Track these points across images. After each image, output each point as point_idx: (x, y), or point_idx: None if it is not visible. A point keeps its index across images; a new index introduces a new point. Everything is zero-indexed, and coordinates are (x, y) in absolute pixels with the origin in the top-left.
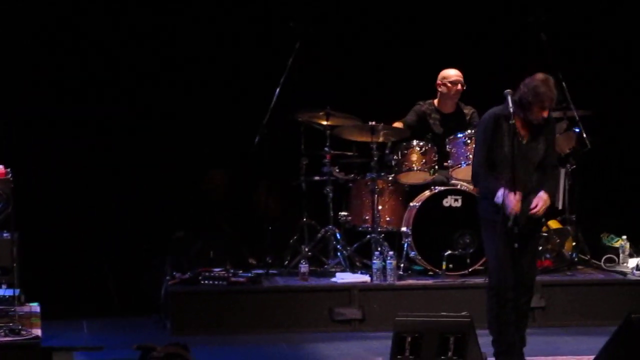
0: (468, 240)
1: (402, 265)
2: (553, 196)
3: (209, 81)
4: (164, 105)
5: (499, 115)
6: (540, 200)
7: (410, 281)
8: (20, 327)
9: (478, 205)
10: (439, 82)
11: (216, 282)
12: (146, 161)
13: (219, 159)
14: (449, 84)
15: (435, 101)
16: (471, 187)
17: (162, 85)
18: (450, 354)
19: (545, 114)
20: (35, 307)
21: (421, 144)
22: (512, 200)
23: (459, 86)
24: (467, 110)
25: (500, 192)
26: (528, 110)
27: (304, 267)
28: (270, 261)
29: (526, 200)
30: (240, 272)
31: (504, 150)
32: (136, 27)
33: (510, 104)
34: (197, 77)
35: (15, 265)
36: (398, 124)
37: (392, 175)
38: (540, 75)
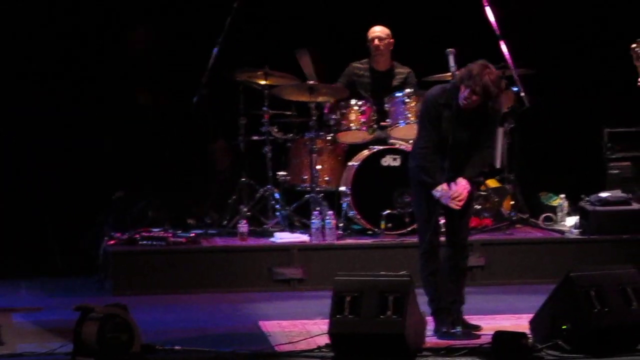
0: (407, 200)
1: (341, 224)
2: (475, 177)
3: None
4: (106, 62)
5: (440, 102)
6: (460, 188)
7: (349, 240)
8: None
9: (408, 165)
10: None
11: (155, 243)
12: (87, 119)
13: (160, 118)
14: (372, 41)
15: (369, 59)
16: (410, 146)
17: (106, 43)
18: (389, 312)
19: (474, 99)
20: None
21: (360, 103)
22: (447, 200)
23: (383, 42)
24: (402, 70)
25: (439, 190)
26: (461, 92)
27: (243, 227)
28: (209, 221)
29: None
30: (180, 232)
31: (443, 135)
32: None
33: (455, 72)
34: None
35: None
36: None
37: (331, 134)
38: (481, 61)
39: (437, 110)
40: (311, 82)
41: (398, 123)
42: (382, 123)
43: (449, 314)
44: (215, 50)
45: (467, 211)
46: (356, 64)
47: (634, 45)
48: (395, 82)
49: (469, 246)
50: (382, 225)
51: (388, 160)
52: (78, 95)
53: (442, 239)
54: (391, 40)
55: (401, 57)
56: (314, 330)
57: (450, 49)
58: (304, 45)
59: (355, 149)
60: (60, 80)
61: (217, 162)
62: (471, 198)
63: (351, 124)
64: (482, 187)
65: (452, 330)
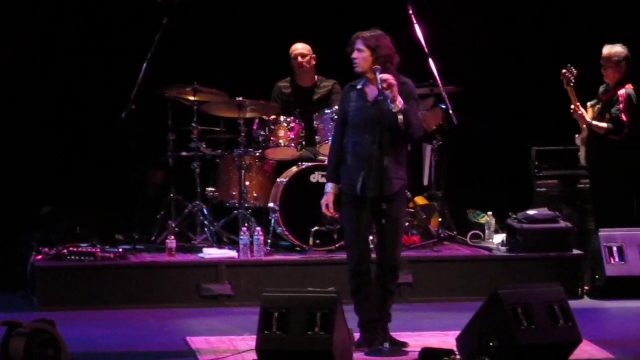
0: (335, 216)
1: (269, 241)
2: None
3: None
4: (34, 77)
5: (349, 85)
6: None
7: (278, 257)
8: None
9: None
10: None
11: (83, 258)
12: (14, 134)
13: (88, 133)
14: (295, 58)
15: (293, 76)
16: None
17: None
18: (317, 329)
19: (354, 55)
20: None
21: (289, 119)
22: (323, 205)
23: (305, 59)
24: (327, 83)
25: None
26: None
27: (171, 243)
28: (137, 237)
29: (374, 166)
30: (108, 247)
31: (349, 116)
32: None
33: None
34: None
35: None
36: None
37: (260, 151)
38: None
39: (345, 91)
40: (240, 98)
41: (327, 140)
42: (311, 140)
43: (376, 330)
44: (144, 66)
45: (397, 231)
46: (281, 83)
47: (564, 71)
48: (317, 96)
49: (398, 266)
50: (310, 242)
51: (317, 177)
52: (4, 111)
53: (374, 255)
54: (313, 55)
55: (329, 73)
56: (242, 346)
57: (376, 66)
58: (232, 61)
59: (283, 165)
60: None
61: (147, 178)
62: (400, 215)
63: (280, 141)
64: (411, 205)
65: (380, 347)
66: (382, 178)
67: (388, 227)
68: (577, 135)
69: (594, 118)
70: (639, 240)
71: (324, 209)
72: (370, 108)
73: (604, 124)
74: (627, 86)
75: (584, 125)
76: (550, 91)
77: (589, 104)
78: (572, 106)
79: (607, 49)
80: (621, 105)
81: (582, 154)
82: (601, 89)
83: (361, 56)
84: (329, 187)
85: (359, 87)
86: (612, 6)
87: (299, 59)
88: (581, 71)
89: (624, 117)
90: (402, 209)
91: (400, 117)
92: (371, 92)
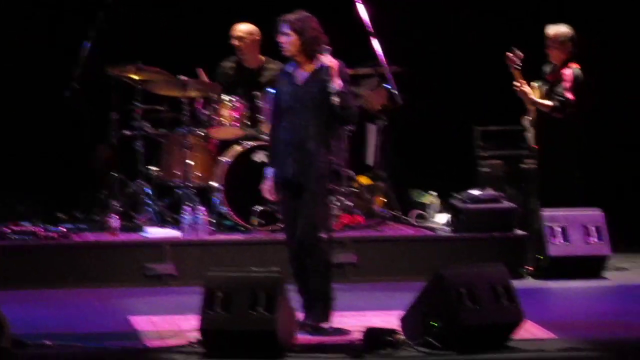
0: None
1: (212, 220)
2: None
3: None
4: None
5: (281, 69)
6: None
7: (221, 236)
8: None
9: None
10: None
11: (25, 237)
12: None
13: (32, 112)
14: (233, 39)
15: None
16: None
17: None
18: (260, 309)
19: (281, 40)
20: None
21: (232, 99)
22: (264, 190)
23: (243, 42)
24: (275, 65)
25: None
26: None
27: (114, 222)
28: (80, 216)
29: (302, 149)
30: (50, 226)
31: (281, 100)
32: None
33: None
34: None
35: None
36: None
37: (203, 130)
38: None
39: (278, 78)
40: (183, 77)
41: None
42: (255, 120)
43: (320, 310)
44: (87, 44)
45: (310, 208)
46: (225, 62)
47: (509, 54)
48: (265, 78)
49: (311, 244)
50: (254, 222)
51: (260, 157)
52: None
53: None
54: (256, 37)
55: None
56: (185, 326)
57: (326, 47)
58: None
59: (227, 145)
60: None
61: (90, 157)
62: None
63: (224, 120)
64: (355, 185)
65: (323, 327)
66: (311, 162)
67: (302, 204)
68: (525, 117)
69: (540, 98)
70: (581, 221)
71: (264, 194)
72: (299, 91)
73: (549, 102)
74: (573, 65)
75: (530, 106)
76: (494, 71)
77: (533, 84)
78: (516, 83)
79: (553, 30)
80: (567, 84)
81: (530, 135)
82: (547, 69)
83: (288, 40)
84: (269, 172)
85: (289, 71)
86: None
87: (236, 42)
88: (525, 52)
89: (570, 96)
90: (322, 188)
91: (336, 99)
92: (300, 75)
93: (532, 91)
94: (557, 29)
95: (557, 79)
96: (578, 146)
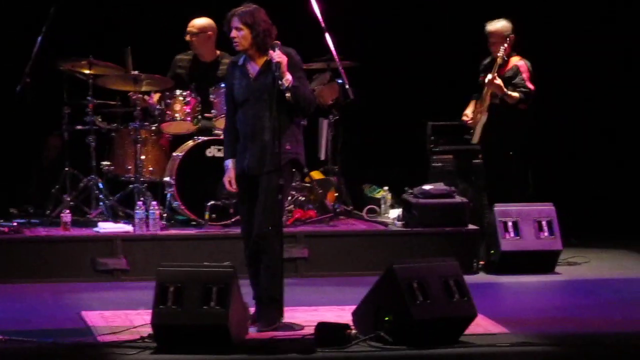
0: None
1: (165, 215)
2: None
3: None
4: None
5: (231, 62)
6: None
7: (173, 231)
8: None
9: None
10: None
11: None
12: None
13: None
14: (188, 34)
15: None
16: None
17: None
18: (213, 304)
19: (233, 35)
20: None
21: (184, 93)
22: (226, 182)
23: (196, 37)
24: (227, 60)
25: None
26: None
27: (66, 217)
28: (32, 210)
29: (257, 142)
30: (1, 221)
31: (235, 93)
32: None
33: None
34: None
35: None
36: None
37: (156, 125)
38: None
39: (229, 70)
40: (135, 72)
41: (223, 114)
42: (207, 114)
43: (273, 309)
44: (39, 39)
45: (267, 202)
46: (180, 56)
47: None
48: (220, 73)
49: (265, 238)
50: (206, 216)
51: (212, 151)
52: None
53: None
54: (209, 33)
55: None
56: (137, 321)
57: (275, 42)
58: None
59: (179, 139)
60: None
61: (42, 152)
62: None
63: (176, 115)
64: (307, 179)
65: (274, 323)
66: (265, 154)
67: (260, 198)
68: (467, 116)
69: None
70: (534, 216)
71: (227, 186)
72: (252, 85)
73: (516, 94)
74: (518, 58)
75: (485, 104)
76: (445, 66)
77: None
78: (490, 76)
79: (495, 26)
80: (525, 75)
81: (476, 133)
82: (485, 62)
83: (240, 35)
84: (229, 164)
85: (240, 63)
86: None
87: (188, 37)
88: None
89: (531, 86)
90: (279, 182)
91: (288, 94)
92: (252, 68)
93: (470, 105)
94: (499, 24)
95: (514, 72)
96: (526, 140)
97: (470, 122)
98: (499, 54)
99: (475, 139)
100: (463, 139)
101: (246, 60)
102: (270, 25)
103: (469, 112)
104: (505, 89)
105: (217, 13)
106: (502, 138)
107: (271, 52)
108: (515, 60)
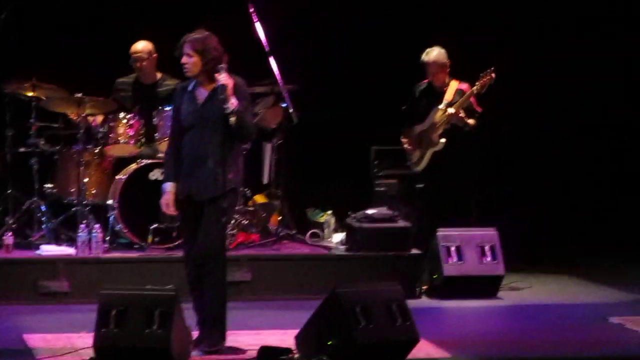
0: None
1: (107, 238)
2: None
3: None
4: None
5: (180, 86)
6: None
7: (116, 254)
8: None
9: None
10: None
11: None
12: None
13: None
14: (133, 58)
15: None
16: None
17: None
18: (155, 327)
19: (183, 61)
20: None
21: (128, 116)
22: (163, 205)
23: (143, 62)
24: (171, 82)
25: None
26: None
27: (8, 239)
28: None
29: (202, 167)
30: None
31: (181, 118)
32: None
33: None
34: None
35: None
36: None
37: (99, 147)
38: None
39: (178, 95)
40: (79, 94)
41: (166, 137)
42: (150, 137)
43: (216, 333)
44: None
45: (210, 225)
46: (121, 79)
47: (487, 75)
48: (162, 94)
49: (208, 262)
50: (149, 239)
51: (156, 174)
52: None
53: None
54: (155, 55)
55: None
56: (79, 344)
57: (221, 65)
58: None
59: (123, 162)
60: None
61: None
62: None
63: (119, 137)
64: (250, 203)
65: (217, 346)
66: (209, 180)
67: (204, 221)
68: (405, 142)
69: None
70: (476, 240)
71: (164, 209)
72: (200, 110)
73: (472, 121)
74: (456, 82)
75: (437, 132)
76: (390, 91)
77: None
78: (452, 110)
79: (435, 55)
80: (471, 99)
81: (424, 159)
82: (422, 87)
83: (191, 61)
84: (168, 187)
85: (189, 89)
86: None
87: (136, 61)
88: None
89: (478, 109)
90: (223, 207)
91: (232, 118)
92: (200, 94)
93: (438, 114)
94: (433, 53)
95: (460, 96)
96: (474, 166)
97: (410, 148)
98: (446, 84)
99: (422, 165)
100: (407, 164)
101: (196, 86)
102: (222, 53)
103: (406, 139)
104: (466, 120)
105: (156, 36)
106: (457, 163)
107: (217, 75)
108: (456, 85)
